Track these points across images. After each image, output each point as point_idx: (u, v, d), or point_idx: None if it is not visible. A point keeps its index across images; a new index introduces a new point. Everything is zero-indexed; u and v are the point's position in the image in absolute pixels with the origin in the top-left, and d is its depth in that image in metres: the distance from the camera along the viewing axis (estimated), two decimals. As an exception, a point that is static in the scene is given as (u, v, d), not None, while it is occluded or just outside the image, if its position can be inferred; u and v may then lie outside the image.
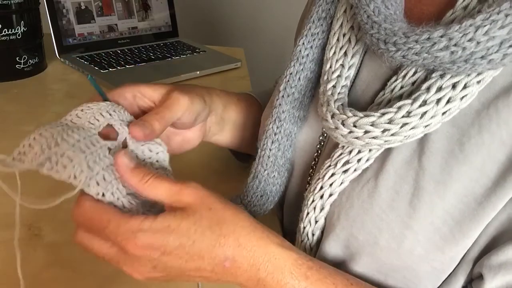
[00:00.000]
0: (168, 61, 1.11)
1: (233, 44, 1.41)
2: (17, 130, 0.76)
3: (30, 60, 0.98)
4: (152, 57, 1.11)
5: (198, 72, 1.05)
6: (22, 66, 0.97)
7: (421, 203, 0.38)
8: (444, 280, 0.41)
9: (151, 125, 0.43)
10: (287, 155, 0.50)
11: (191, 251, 0.37)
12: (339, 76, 0.44)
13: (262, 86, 0.77)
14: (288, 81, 0.49)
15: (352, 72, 0.44)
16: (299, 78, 0.48)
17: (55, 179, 0.57)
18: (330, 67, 0.45)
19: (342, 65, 0.44)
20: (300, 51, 0.48)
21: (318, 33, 0.48)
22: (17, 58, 0.96)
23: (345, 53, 0.44)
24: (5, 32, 0.92)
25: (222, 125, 0.58)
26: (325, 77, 0.45)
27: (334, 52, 0.45)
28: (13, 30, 0.93)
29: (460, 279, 0.40)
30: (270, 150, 0.50)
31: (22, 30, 0.95)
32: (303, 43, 0.48)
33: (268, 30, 1.79)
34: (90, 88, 1.00)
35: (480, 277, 0.38)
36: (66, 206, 0.58)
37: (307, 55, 0.48)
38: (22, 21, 0.94)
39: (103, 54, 1.10)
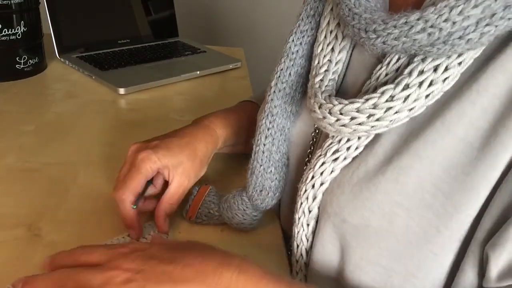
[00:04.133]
0: (168, 61, 1.11)
1: (233, 44, 1.41)
2: (17, 130, 0.76)
3: (30, 60, 0.98)
4: (152, 57, 1.11)
5: (198, 72, 1.05)
6: (22, 66, 0.97)
7: (408, 179, 0.39)
8: (452, 275, 0.40)
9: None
10: (282, 149, 0.51)
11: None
12: (326, 70, 0.45)
13: (262, 86, 0.77)
14: (279, 76, 0.50)
15: (339, 67, 0.46)
16: (289, 74, 0.50)
17: (55, 179, 0.57)
18: (318, 62, 0.46)
19: (330, 61, 0.45)
20: (290, 47, 0.50)
21: (307, 30, 0.49)
22: (17, 58, 0.96)
23: (332, 49, 0.46)
24: (5, 32, 0.92)
25: (228, 150, 0.65)
26: (314, 72, 0.46)
27: (322, 49, 0.46)
28: (13, 30, 0.93)
29: (469, 272, 0.38)
30: (264, 145, 0.51)
31: (22, 30, 0.95)
32: (293, 40, 0.50)
33: (268, 30, 1.79)
34: (90, 88, 1.00)
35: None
36: (66, 206, 0.58)
37: (297, 51, 0.49)
38: (22, 21, 0.94)
39: (103, 54, 1.10)
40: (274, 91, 0.50)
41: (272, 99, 0.50)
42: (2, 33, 0.92)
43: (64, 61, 1.07)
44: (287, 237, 0.56)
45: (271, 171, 0.51)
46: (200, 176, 0.58)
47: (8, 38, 0.93)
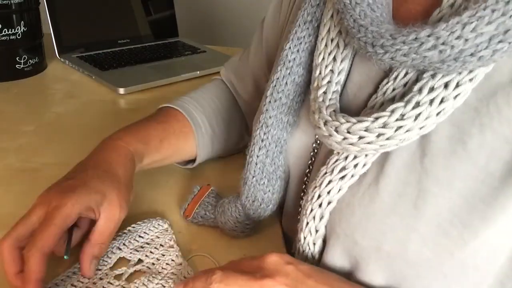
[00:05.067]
0: (168, 61, 1.11)
1: (233, 44, 1.41)
2: (17, 130, 0.76)
3: (30, 60, 0.98)
4: (152, 57, 1.11)
5: (198, 72, 1.05)
6: (22, 66, 0.97)
7: (426, 205, 0.38)
8: None
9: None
10: (277, 162, 0.50)
11: None
12: (329, 82, 0.43)
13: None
14: (275, 86, 0.48)
15: (342, 77, 0.43)
16: (286, 83, 0.48)
17: (55, 179, 0.57)
18: (320, 73, 0.44)
19: (332, 71, 0.43)
20: (286, 55, 0.47)
21: (304, 36, 0.47)
22: (17, 58, 0.96)
23: (334, 58, 0.43)
24: (5, 32, 0.92)
25: (150, 167, 0.59)
26: (315, 84, 0.44)
27: (323, 58, 0.44)
28: (13, 30, 0.93)
29: None
30: (257, 156, 0.49)
31: (22, 30, 0.95)
32: (290, 47, 0.47)
33: (268, 30, 1.79)
34: (90, 88, 1.00)
35: None
36: (66, 206, 0.58)
37: (294, 59, 0.47)
38: (22, 21, 0.94)
39: (103, 54, 1.10)
40: (270, 101, 0.48)
41: (267, 110, 0.48)
42: (2, 33, 0.92)
43: (64, 61, 1.07)
44: (287, 238, 0.56)
45: (264, 183, 0.50)
46: (130, 200, 0.51)
47: (8, 38, 0.93)
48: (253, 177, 0.50)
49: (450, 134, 0.38)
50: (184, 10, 1.40)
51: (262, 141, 0.49)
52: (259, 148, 0.49)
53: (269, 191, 0.50)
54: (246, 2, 1.80)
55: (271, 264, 0.40)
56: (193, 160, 0.65)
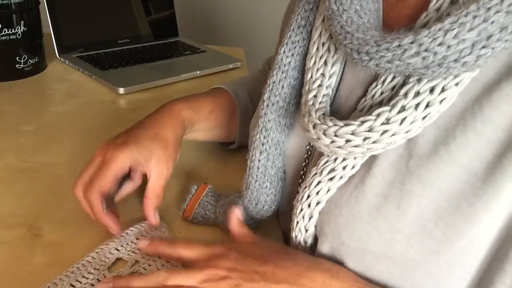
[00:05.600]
0: (168, 61, 1.11)
1: (233, 44, 1.41)
2: (17, 130, 0.76)
3: (30, 60, 0.98)
4: (152, 57, 1.11)
5: (198, 72, 1.05)
6: (22, 66, 0.97)
7: (409, 206, 0.38)
8: None
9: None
10: (277, 164, 0.50)
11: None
12: (320, 85, 0.44)
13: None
14: (272, 89, 0.49)
15: (333, 81, 0.44)
16: (282, 86, 0.49)
17: (55, 179, 0.57)
18: (311, 77, 0.45)
19: (323, 74, 0.44)
20: (281, 59, 0.48)
21: (298, 40, 0.48)
22: (17, 58, 0.96)
23: (325, 62, 0.44)
24: (5, 32, 0.92)
25: (203, 136, 0.65)
26: (307, 87, 0.45)
27: (314, 62, 0.45)
28: (13, 30, 0.93)
29: None
30: (259, 161, 0.50)
31: (22, 30, 0.95)
32: (284, 51, 0.48)
33: (268, 29, 1.79)
34: (90, 88, 1.00)
35: None
36: (66, 206, 0.58)
37: (289, 63, 0.48)
38: (22, 21, 0.94)
39: (103, 53, 1.10)
40: (268, 105, 0.49)
41: (265, 113, 0.49)
42: (2, 33, 0.92)
43: (64, 61, 1.07)
44: (287, 237, 0.56)
45: (266, 186, 0.50)
46: (177, 160, 0.57)
47: (8, 38, 0.93)
48: (256, 181, 0.50)
49: (435, 136, 0.38)
50: (184, 10, 1.40)
51: (263, 145, 0.49)
52: (260, 152, 0.49)
53: (271, 193, 0.51)
54: (246, 2, 1.80)
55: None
56: (233, 143, 0.69)
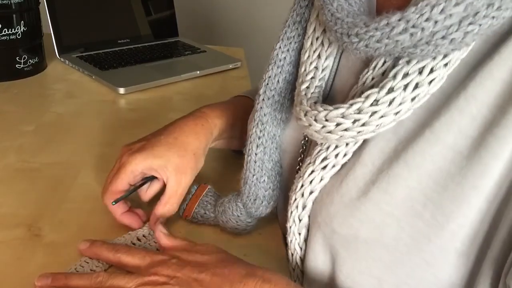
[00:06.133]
0: (168, 61, 1.11)
1: (233, 44, 1.41)
2: (17, 130, 0.76)
3: (30, 60, 0.98)
4: (152, 57, 1.11)
5: (198, 72, 1.05)
6: (22, 66, 0.97)
7: (397, 189, 0.38)
8: None
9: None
10: (274, 158, 0.51)
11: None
12: (312, 78, 0.45)
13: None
14: (267, 84, 0.50)
15: (326, 74, 0.45)
16: (278, 81, 0.49)
17: (55, 179, 0.57)
18: (305, 70, 0.45)
19: (316, 68, 0.45)
20: (277, 54, 0.49)
21: (294, 36, 0.49)
22: (17, 58, 0.96)
23: (319, 56, 0.45)
24: (5, 32, 0.92)
25: (223, 144, 0.64)
26: (300, 80, 0.46)
27: (308, 56, 0.46)
28: (13, 30, 0.93)
29: None
30: (255, 154, 0.50)
31: (22, 30, 0.95)
32: (280, 47, 0.49)
33: (268, 29, 1.79)
34: (90, 88, 1.00)
35: None
36: (66, 206, 0.58)
37: (284, 58, 0.49)
38: (22, 21, 0.94)
39: (103, 53, 1.10)
40: (263, 99, 0.50)
41: (261, 107, 0.50)
42: (2, 33, 0.92)
43: (64, 61, 1.07)
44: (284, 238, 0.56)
45: (264, 180, 0.51)
46: (199, 169, 0.56)
47: (8, 38, 0.93)
48: (253, 175, 0.50)
49: (422, 118, 0.38)
50: (184, 10, 1.40)
51: (259, 138, 0.50)
52: (257, 146, 0.50)
53: (269, 188, 0.51)
54: (246, 2, 1.80)
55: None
56: None
